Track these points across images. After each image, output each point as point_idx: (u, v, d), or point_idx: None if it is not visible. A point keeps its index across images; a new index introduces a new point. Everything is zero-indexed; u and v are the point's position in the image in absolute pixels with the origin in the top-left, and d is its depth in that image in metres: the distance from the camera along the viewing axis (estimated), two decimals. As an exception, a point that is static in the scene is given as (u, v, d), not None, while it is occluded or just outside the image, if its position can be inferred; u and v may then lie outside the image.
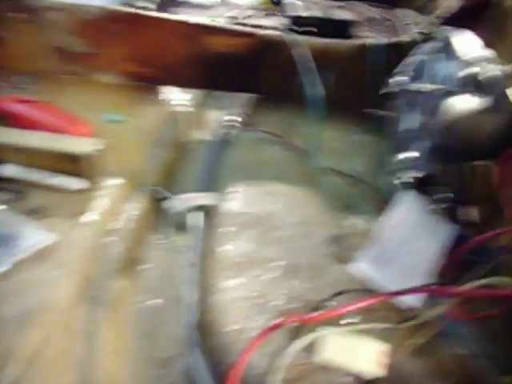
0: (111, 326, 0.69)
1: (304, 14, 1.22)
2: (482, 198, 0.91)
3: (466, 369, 0.65)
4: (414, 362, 0.65)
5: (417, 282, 0.76)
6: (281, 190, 0.98)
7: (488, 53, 0.84)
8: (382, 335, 0.66)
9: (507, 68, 0.80)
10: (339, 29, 1.18)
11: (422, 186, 0.89)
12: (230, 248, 0.83)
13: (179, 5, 1.32)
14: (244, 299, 0.73)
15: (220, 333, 0.67)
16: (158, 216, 0.89)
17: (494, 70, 0.80)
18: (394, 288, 0.74)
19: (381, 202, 0.95)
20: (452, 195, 0.90)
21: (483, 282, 0.62)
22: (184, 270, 0.79)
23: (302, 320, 0.61)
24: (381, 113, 1.05)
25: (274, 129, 1.11)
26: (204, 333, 0.68)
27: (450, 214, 0.89)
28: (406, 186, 0.90)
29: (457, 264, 0.71)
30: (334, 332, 0.64)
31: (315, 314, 0.64)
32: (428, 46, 0.95)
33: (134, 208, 0.86)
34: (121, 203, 0.86)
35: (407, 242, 0.82)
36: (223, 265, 0.80)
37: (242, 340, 0.65)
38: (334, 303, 0.68)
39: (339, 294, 0.67)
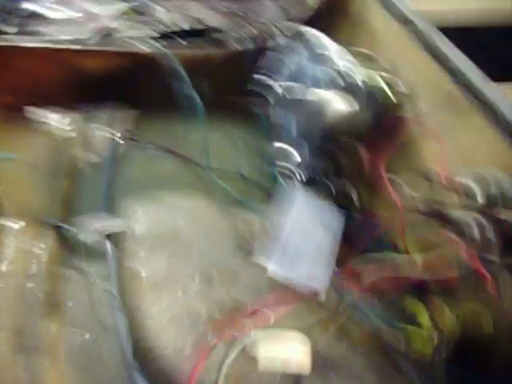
0: (50, 371, 0.70)
1: (172, 27, 1.25)
2: (358, 182, 1.01)
3: (381, 341, 0.75)
4: (336, 345, 0.73)
5: (324, 271, 0.85)
6: (180, 204, 1.00)
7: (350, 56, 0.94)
8: (304, 327, 0.72)
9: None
10: (206, 36, 1.23)
11: (308, 180, 0.98)
12: (145, 272, 0.85)
13: (40, 23, 1.28)
14: (173, 319, 0.76)
15: (159, 357, 0.71)
16: (67, 250, 0.90)
17: (360, 72, 0.90)
18: (307, 282, 0.81)
19: (273, 198, 1.02)
20: (334, 182, 1.00)
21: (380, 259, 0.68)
22: (106, 301, 0.80)
23: (238, 333, 0.65)
24: (258, 112, 1.12)
25: (162, 141, 1.13)
26: (142, 360, 0.71)
27: (335, 199, 0.99)
28: (294, 181, 0.97)
29: (357, 249, 0.78)
30: (264, 335, 0.69)
31: (246, 320, 0.69)
32: (294, 47, 1.02)
33: (43, 248, 0.86)
34: (28, 246, 0.85)
35: (306, 234, 0.90)
36: (143, 290, 0.82)
37: (181, 360, 0.69)
38: (261, 305, 0.72)
39: (263, 296, 0.72)
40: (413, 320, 0.76)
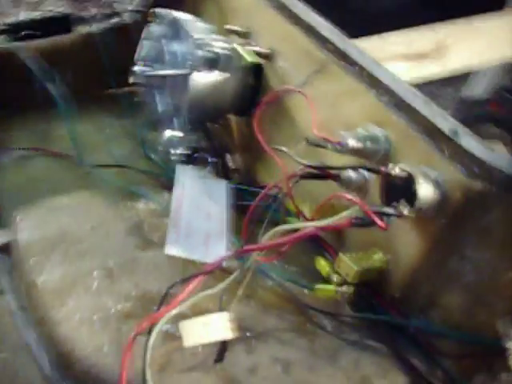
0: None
1: (21, 17, 1.18)
2: (242, 148, 1.04)
3: (293, 300, 0.79)
4: (249, 308, 0.76)
5: (221, 242, 0.87)
6: (60, 203, 0.96)
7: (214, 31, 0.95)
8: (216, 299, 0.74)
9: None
10: (59, 24, 1.17)
11: (192, 157, 0.99)
12: (40, 280, 0.81)
13: None
14: (83, 319, 0.74)
15: (79, 360, 0.69)
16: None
17: (225, 47, 0.92)
18: (206, 256, 0.83)
19: (160, 182, 1.02)
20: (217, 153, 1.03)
21: (280, 228, 0.71)
22: (9, 318, 0.76)
23: (153, 320, 0.65)
24: (129, 96, 1.11)
25: (31, 141, 1.08)
26: (64, 368, 0.69)
27: (221, 170, 1.01)
28: (179, 161, 0.98)
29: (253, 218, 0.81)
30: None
31: (162, 308, 0.69)
32: (157, 28, 1.01)
33: None
34: None
35: (201, 212, 0.92)
36: (43, 298, 0.78)
37: (103, 356, 0.68)
38: (173, 291, 0.73)
39: (173, 285, 0.72)
40: (319, 277, 0.81)
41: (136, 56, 1.00)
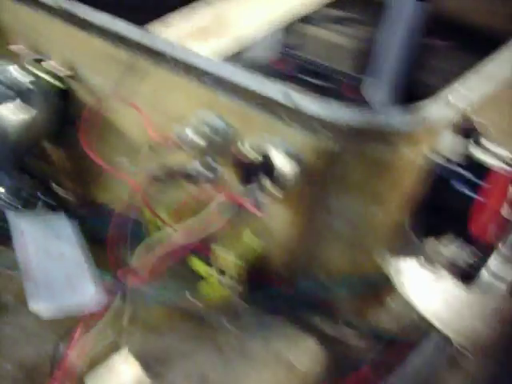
0: None
1: None
2: (72, 175, 0.96)
3: (178, 310, 0.76)
4: (141, 336, 0.71)
5: (87, 281, 0.80)
6: None
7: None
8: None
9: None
10: None
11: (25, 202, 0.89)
12: None
13: None
14: None
15: None
16: None
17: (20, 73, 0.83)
18: (77, 301, 0.76)
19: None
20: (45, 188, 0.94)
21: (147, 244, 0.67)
22: None
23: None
24: None
25: None
26: None
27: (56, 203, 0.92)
28: (11, 207, 0.88)
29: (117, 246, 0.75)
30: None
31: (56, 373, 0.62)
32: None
33: None
34: None
35: (52, 254, 0.83)
36: None
37: None
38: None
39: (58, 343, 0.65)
40: (197, 277, 0.79)
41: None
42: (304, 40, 1.59)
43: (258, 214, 0.63)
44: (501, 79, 0.83)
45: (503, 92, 0.87)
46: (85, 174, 0.90)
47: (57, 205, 0.92)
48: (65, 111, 0.88)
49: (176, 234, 0.67)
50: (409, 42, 1.43)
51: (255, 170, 0.68)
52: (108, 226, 0.82)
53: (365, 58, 1.48)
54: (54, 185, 0.95)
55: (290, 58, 1.60)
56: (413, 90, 1.50)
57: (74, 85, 0.88)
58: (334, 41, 1.55)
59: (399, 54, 1.44)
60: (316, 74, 1.55)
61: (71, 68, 0.87)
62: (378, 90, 1.46)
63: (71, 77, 0.88)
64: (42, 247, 0.83)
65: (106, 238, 0.83)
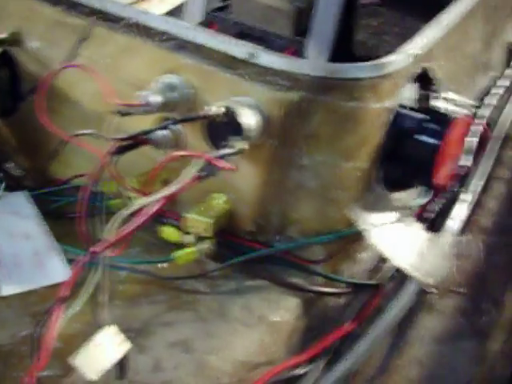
0: None
1: None
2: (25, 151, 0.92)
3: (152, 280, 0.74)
4: (119, 309, 0.69)
5: (57, 258, 0.77)
6: None
7: None
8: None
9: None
10: None
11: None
12: None
13: None
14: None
15: None
16: None
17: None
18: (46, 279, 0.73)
19: None
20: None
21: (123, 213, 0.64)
22: None
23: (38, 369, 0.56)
24: None
25: None
26: None
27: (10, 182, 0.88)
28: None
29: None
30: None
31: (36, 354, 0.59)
32: None
33: None
34: None
35: (16, 236, 0.79)
36: None
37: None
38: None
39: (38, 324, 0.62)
40: (168, 246, 0.77)
41: None
42: (240, 3, 1.56)
43: (233, 169, 0.62)
44: (453, 29, 0.85)
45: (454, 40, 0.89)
46: (41, 147, 0.87)
47: (13, 184, 0.88)
48: (7, 82, 0.84)
49: (150, 203, 0.65)
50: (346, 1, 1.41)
51: (222, 130, 0.67)
52: (68, 201, 0.80)
53: (304, 21, 1.46)
54: (8, 164, 0.91)
55: (224, 22, 1.56)
56: (351, 48, 1.50)
57: (25, 56, 0.83)
58: (270, 3, 1.52)
59: (338, 13, 1.42)
60: (253, 39, 1.52)
61: (20, 39, 0.83)
62: (318, 51, 1.45)
63: (12, 41, 0.84)
64: (4, 229, 0.79)
65: (66, 213, 0.81)
